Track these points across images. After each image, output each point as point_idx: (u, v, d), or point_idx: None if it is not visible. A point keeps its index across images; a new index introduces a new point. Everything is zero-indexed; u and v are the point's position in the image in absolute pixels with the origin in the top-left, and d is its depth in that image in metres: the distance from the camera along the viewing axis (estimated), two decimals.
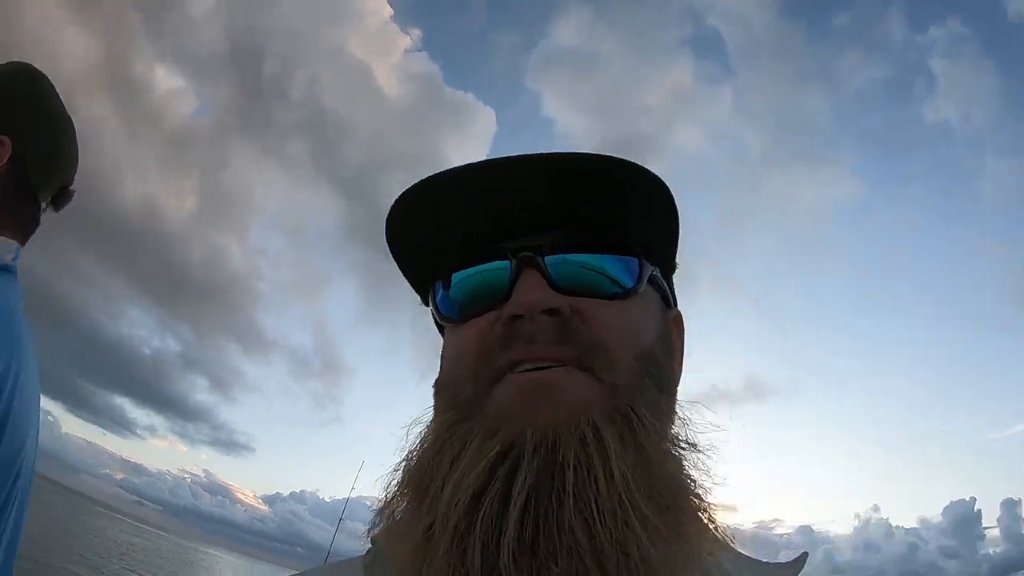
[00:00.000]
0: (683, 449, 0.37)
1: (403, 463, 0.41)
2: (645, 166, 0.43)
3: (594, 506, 0.31)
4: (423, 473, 0.37)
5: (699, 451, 0.38)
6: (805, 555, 0.41)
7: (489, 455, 0.34)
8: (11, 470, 0.80)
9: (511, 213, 0.41)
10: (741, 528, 0.39)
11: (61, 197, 1.01)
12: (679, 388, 0.45)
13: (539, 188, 0.40)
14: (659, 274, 0.46)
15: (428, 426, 0.42)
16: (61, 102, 1.00)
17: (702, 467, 0.37)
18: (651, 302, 0.45)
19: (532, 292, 0.38)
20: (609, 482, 0.32)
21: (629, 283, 0.41)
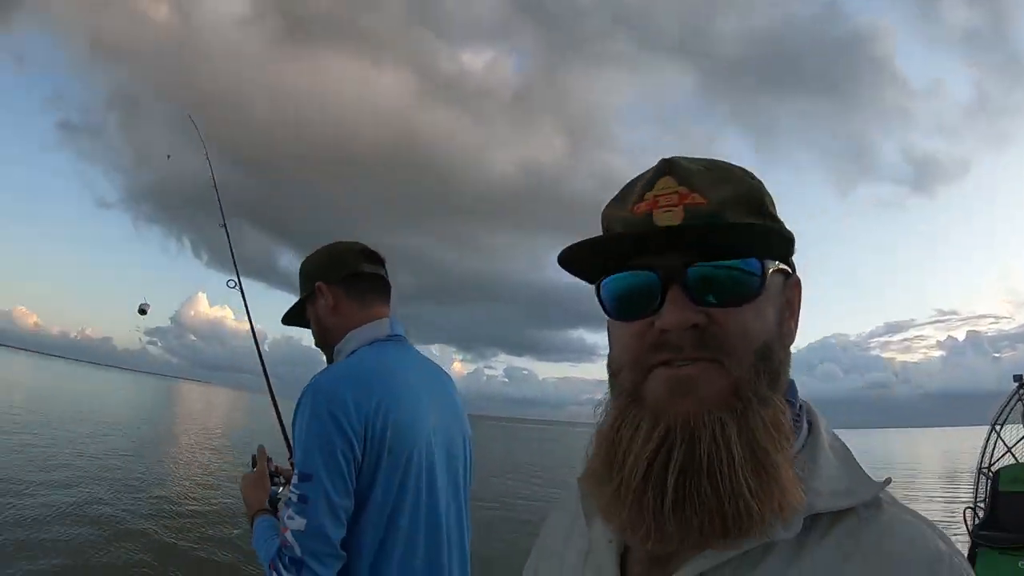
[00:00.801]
0: (777, 430, 0.48)
1: (596, 430, 0.54)
2: (729, 162, 0.54)
3: (719, 478, 0.46)
4: (610, 443, 0.51)
5: (786, 433, 0.49)
6: (889, 479, 0.51)
7: (653, 438, 0.47)
8: (395, 479, 1.11)
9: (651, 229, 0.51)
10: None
11: (377, 261, 1.35)
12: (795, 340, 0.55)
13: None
14: (781, 256, 0.53)
15: (608, 403, 0.54)
16: (361, 248, 1.34)
17: (789, 436, 0.49)
18: (773, 289, 0.51)
19: (678, 312, 0.47)
20: (730, 462, 0.46)
21: (754, 287, 0.49)
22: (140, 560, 5.89)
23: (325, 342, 1.30)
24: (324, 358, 1.33)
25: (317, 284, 1.28)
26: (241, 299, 1.84)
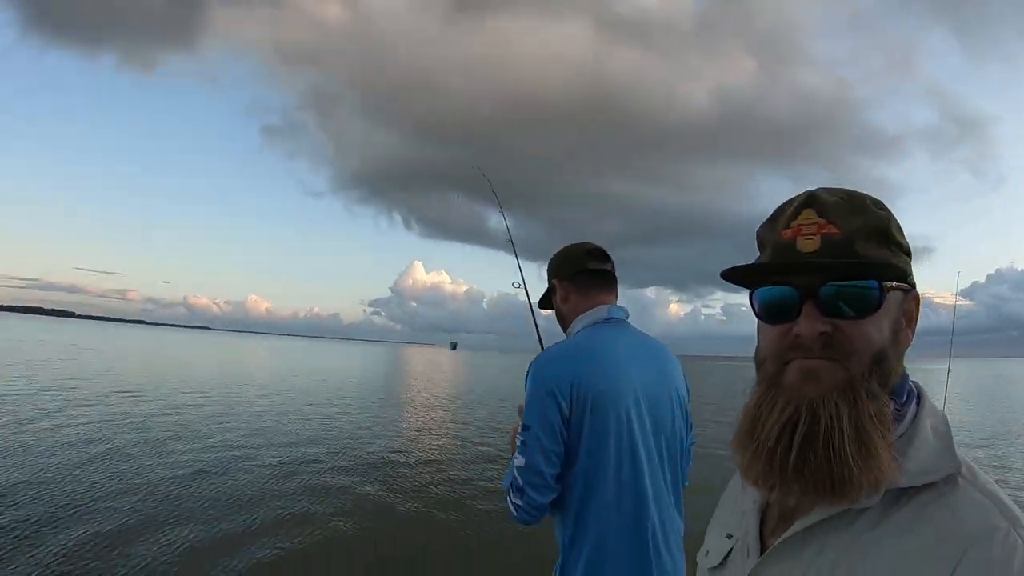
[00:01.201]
0: (880, 421, 0.60)
1: (743, 406, 0.68)
2: (864, 193, 0.67)
3: (831, 448, 0.58)
4: (753, 417, 0.65)
5: (887, 424, 0.60)
6: (961, 463, 0.60)
7: (785, 412, 0.61)
8: (598, 434, 1.41)
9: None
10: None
11: (603, 260, 1.66)
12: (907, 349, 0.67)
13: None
14: (897, 278, 0.65)
15: (753, 387, 0.68)
16: (588, 249, 1.65)
17: (889, 427, 0.60)
18: (892, 304, 0.64)
19: (810, 323, 0.61)
20: (840, 437, 0.58)
21: (872, 303, 0.62)
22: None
23: (562, 326, 1.69)
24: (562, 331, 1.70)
25: (552, 281, 1.68)
26: (525, 295, 2.16)
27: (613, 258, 1.66)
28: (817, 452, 0.58)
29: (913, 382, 0.67)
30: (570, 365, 1.45)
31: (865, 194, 0.66)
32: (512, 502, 1.42)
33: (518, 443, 1.42)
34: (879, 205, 0.65)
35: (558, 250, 1.70)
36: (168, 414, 11.26)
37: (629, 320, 1.63)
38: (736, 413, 0.67)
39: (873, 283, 0.62)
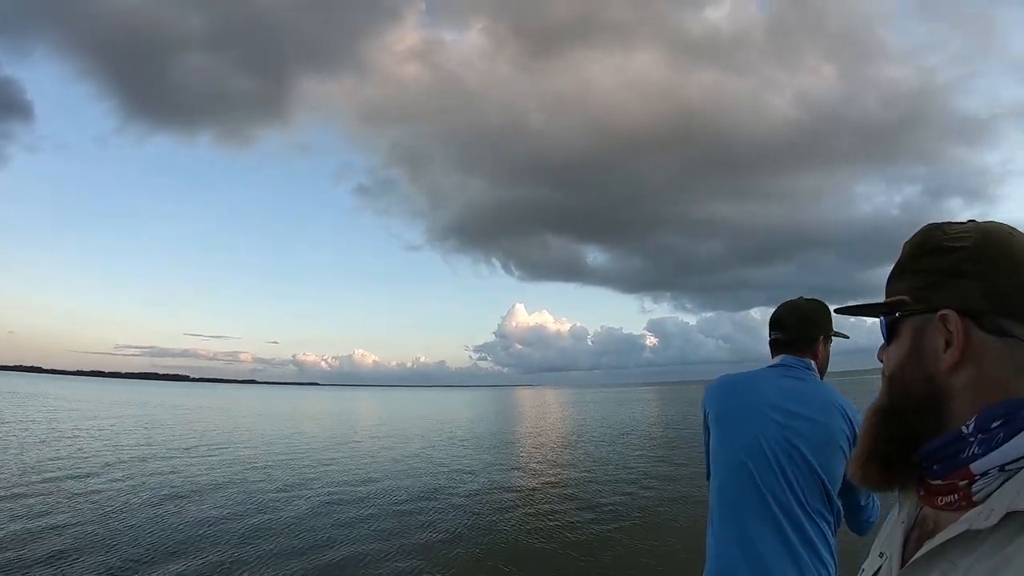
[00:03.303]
0: (871, 435, 0.70)
1: None
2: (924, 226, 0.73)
3: (858, 454, 0.70)
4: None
5: (879, 433, 0.69)
6: None
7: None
8: (719, 452, 1.68)
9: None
10: None
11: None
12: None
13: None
14: (905, 312, 0.70)
15: None
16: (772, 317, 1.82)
17: (875, 437, 0.69)
18: (905, 331, 0.69)
19: (879, 353, 0.73)
20: (874, 445, 0.68)
21: (886, 338, 0.72)
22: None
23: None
24: None
25: (821, 335, 1.79)
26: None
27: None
28: (859, 458, 0.69)
29: None
30: (717, 391, 1.76)
31: (918, 231, 0.72)
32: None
33: None
34: (913, 239, 0.71)
35: (821, 305, 1.79)
36: (305, 463, 12.32)
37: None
38: None
39: (883, 317, 0.71)
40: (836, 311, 0.82)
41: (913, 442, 0.65)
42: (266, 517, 7.59)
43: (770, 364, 1.74)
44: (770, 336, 1.78)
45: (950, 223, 0.69)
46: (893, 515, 0.76)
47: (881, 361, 0.71)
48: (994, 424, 0.60)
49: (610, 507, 8.31)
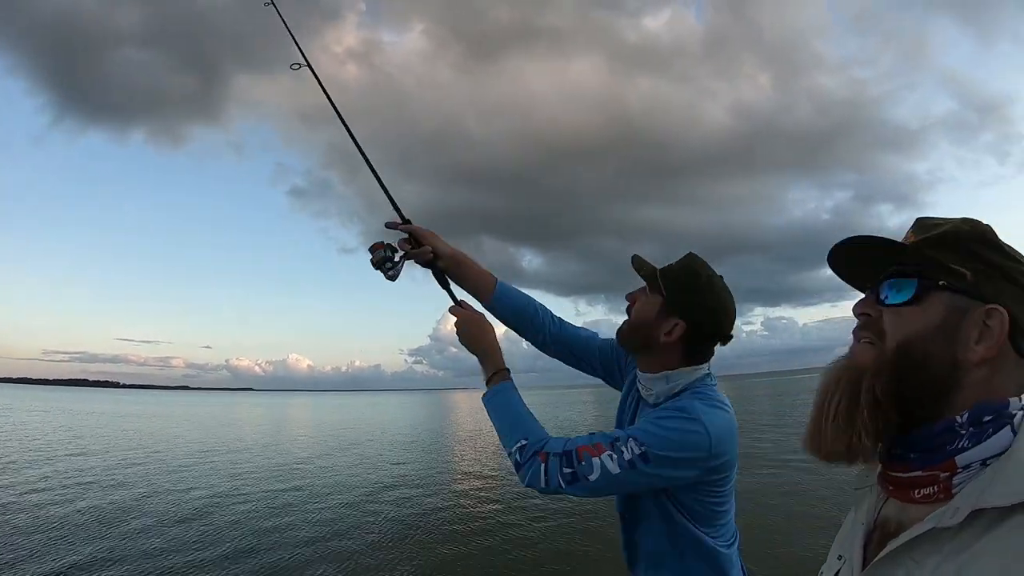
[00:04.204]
0: (871, 406, 0.66)
1: None
2: (972, 219, 0.70)
3: (824, 421, 0.67)
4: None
5: (881, 409, 0.66)
6: None
7: (819, 383, 0.71)
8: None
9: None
10: None
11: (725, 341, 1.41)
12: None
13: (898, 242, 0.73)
14: (949, 281, 0.66)
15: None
16: (716, 278, 1.35)
17: (878, 416, 0.66)
18: (937, 304, 0.66)
19: (859, 304, 0.72)
20: (836, 405, 0.67)
21: (906, 294, 0.68)
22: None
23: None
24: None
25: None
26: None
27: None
28: (818, 422, 0.68)
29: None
30: None
31: (966, 218, 0.70)
32: None
33: None
34: (970, 223, 0.68)
35: (692, 271, 1.36)
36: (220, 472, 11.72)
37: None
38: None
39: (913, 282, 0.67)
40: (849, 244, 0.73)
41: (897, 421, 0.65)
42: (188, 527, 7.39)
43: (711, 383, 1.35)
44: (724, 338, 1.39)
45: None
46: (851, 515, 0.76)
47: (865, 314, 0.70)
48: (986, 419, 0.61)
49: (535, 507, 8.40)
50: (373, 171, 1.60)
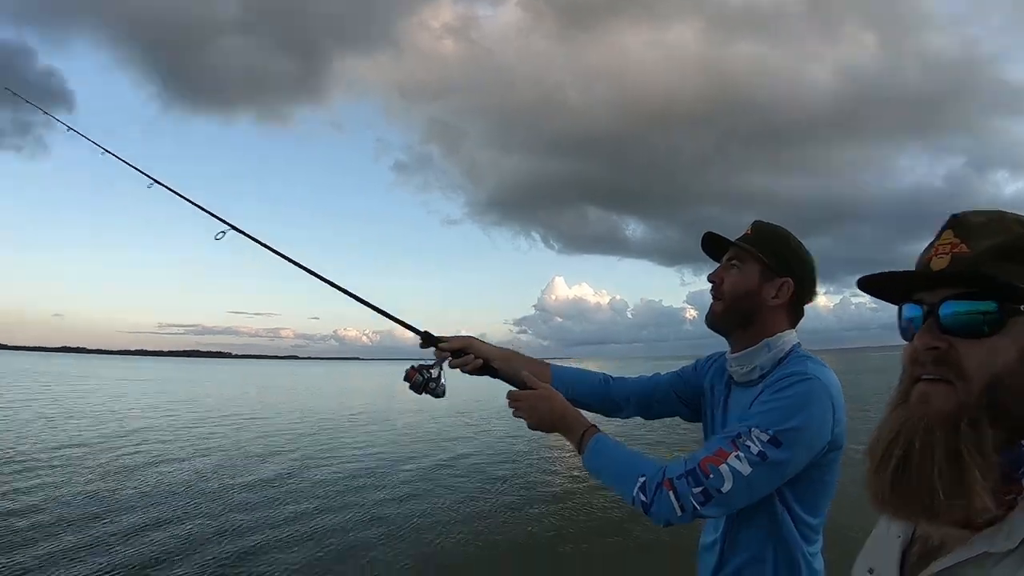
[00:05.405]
0: (981, 454, 0.57)
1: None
2: (1000, 210, 0.65)
3: (922, 477, 0.58)
4: (876, 432, 0.65)
5: (988, 460, 0.57)
6: None
7: (892, 433, 0.62)
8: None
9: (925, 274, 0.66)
10: None
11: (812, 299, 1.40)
12: None
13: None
14: None
15: (893, 392, 0.68)
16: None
17: (990, 464, 0.57)
18: (1015, 331, 0.59)
19: (924, 337, 0.62)
20: (931, 463, 0.57)
21: (988, 325, 0.59)
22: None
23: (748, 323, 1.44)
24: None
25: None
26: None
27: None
28: (910, 477, 0.59)
29: None
30: None
31: (1017, 214, 0.64)
32: None
33: None
34: (1022, 221, 0.62)
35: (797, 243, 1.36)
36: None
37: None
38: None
39: (992, 304, 0.59)
40: (875, 278, 0.68)
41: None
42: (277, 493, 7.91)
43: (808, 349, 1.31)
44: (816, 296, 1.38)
45: None
46: (883, 524, 0.73)
47: (934, 348, 0.61)
48: None
49: None
50: (377, 309, 1.65)
